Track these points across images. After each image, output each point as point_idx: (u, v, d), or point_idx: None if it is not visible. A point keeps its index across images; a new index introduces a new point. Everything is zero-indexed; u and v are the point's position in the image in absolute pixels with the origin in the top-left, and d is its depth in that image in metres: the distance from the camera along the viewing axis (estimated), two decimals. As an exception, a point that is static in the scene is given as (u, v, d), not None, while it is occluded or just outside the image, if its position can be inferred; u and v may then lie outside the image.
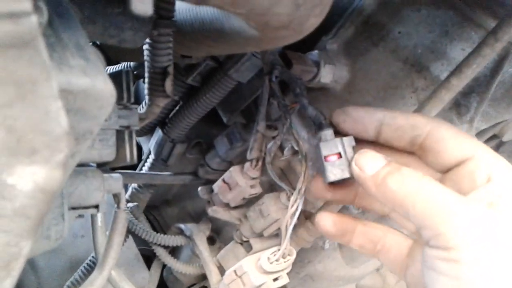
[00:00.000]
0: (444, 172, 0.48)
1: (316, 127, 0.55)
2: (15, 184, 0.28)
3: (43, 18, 0.27)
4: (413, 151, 0.49)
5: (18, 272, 0.34)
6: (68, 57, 0.30)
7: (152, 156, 0.91)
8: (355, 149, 0.51)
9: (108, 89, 0.32)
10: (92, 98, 0.31)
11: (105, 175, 0.56)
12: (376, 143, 0.52)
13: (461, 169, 0.45)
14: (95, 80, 0.31)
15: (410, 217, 0.43)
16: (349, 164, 0.50)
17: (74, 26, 0.34)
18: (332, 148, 0.50)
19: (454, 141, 0.46)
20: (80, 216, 0.54)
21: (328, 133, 0.52)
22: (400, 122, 0.49)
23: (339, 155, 0.50)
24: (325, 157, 0.51)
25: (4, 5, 0.21)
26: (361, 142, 0.51)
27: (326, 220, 0.53)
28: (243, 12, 0.36)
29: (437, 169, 0.48)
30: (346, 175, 0.50)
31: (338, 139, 0.50)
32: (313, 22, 0.43)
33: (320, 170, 0.53)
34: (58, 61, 0.29)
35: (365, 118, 0.50)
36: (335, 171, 0.50)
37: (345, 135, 0.51)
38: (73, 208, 0.52)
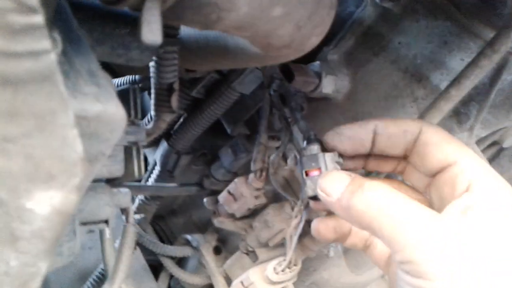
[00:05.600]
0: (431, 177, 0.46)
1: (305, 141, 0.55)
2: (33, 208, 0.29)
3: (58, 49, 0.29)
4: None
5: (36, 291, 0.35)
6: (81, 84, 0.32)
7: (157, 168, 0.93)
8: (342, 165, 0.51)
9: (119, 113, 0.33)
10: (105, 123, 0.32)
11: (114, 190, 0.57)
12: (372, 156, 0.51)
13: (444, 175, 0.44)
14: (107, 106, 0.32)
15: (381, 240, 0.41)
16: None
17: (86, 51, 0.35)
18: (313, 163, 0.50)
19: (438, 146, 0.44)
20: (91, 231, 0.55)
21: (313, 148, 0.52)
22: (392, 130, 0.48)
23: (320, 171, 0.50)
24: (306, 171, 0.51)
25: (25, 45, 0.23)
26: (358, 157, 0.51)
27: (327, 228, 0.52)
28: (248, 35, 0.38)
29: (425, 174, 0.47)
30: None
31: (320, 154, 0.50)
32: (314, 40, 0.44)
33: (302, 183, 0.53)
34: (72, 89, 0.30)
35: (360, 134, 0.49)
36: (313, 187, 0.49)
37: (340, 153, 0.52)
38: (84, 224, 0.53)
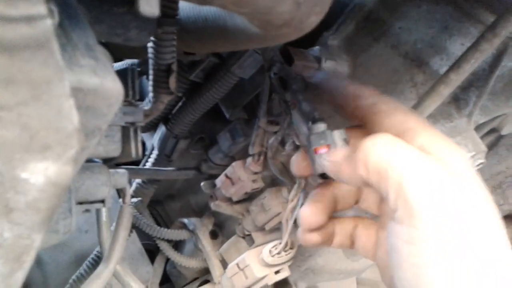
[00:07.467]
0: None
1: (310, 121, 0.55)
2: (28, 178, 0.29)
3: (54, 20, 0.28)
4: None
5: (29, 265, 0.35)
6: (78, 57, 0.31)
7: (155, 152, 0.92)
8: (347, 141, 0.52)
9: (116, 87, 0.33)
10: (101, 97, 0.32)
11: (111, 170, 0.57)
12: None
13: None
14: (104, 79, 0.32)
15: (379, 192, 0.41)
16: None
17: (83, 26, 0.35)
18: (322, 140, 0.51)
19: (388, 116, 0.45)
20: (87, 210, 0.55)
21: (320, 126, 0.53)
22: (348, 90, 0.49)
23: (329, 147, 0.51)
24: (315, 149, 0.51)
25: (21, 9, 0.22)
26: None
27: (312, 235, 0.52)
28: (246, 11, 0.37)
29: None
30: None
31: (328, 132, 0.51)
32: (314, 19, 0.44)
33: (312, 161, 0.54)
34: (69, 61, 0.30)
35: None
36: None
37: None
38: (80, 203, 0.53)
